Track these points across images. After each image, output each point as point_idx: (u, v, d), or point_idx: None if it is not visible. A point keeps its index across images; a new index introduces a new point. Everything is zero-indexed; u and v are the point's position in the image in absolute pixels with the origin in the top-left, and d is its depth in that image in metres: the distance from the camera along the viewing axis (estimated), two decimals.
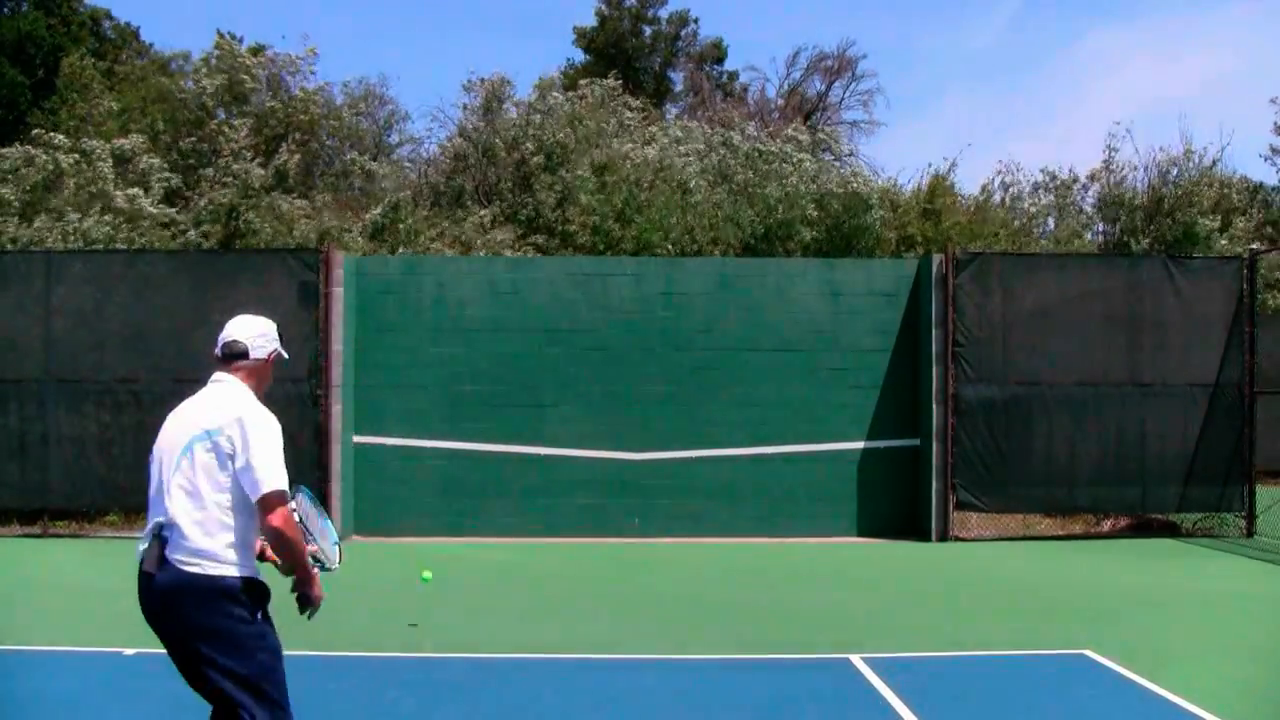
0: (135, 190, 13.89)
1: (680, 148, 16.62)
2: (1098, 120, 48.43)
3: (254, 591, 3.24)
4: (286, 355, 3.60)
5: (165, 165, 15.07)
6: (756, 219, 15.09)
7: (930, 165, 20.66)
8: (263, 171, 14.59)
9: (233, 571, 3.19)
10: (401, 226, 14.50)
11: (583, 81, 19.28)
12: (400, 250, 13.83)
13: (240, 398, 3.33)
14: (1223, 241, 16.12)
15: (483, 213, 15.58)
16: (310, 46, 17.11)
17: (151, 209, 13.88)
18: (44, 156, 14.24)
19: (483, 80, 17.70)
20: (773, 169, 16.01)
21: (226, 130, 15.33)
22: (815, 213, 15.31)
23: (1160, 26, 49.03)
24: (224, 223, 14.03)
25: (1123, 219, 17.47)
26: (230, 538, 3.19)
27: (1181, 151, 17.77)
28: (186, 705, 5.06)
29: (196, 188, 14.95)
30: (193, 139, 15.80)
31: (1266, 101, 24.56)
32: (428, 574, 7.21)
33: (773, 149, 16.54)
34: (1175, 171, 17.66)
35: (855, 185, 15.84)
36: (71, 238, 12.90)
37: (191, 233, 13.84)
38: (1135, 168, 17.93)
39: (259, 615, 3.25)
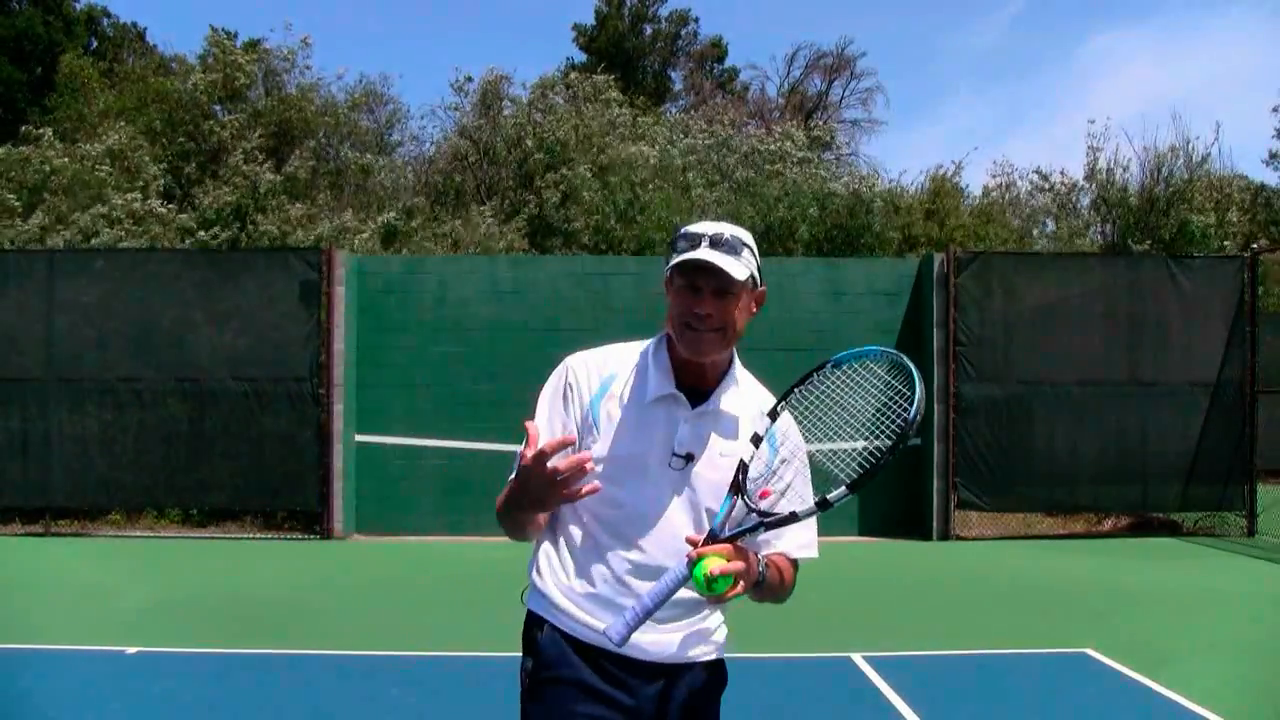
0: (134, 195, 13.89)
1: (678, 147, 16.60)
2: (1100, 120, 48.35)
3: (527, 633, 2.23)
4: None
5: (161, 159, 15.06)
6: (756, 216, 15.08)
7: (938, 167, 20.57)
8: (272, 177, 14.56)
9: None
10: (412, 235, 14.49)
11: (574, 76, 19.29)
12: (407, 252, 13.81)
13: None
14: (1223, 241, 16.05)
15: (483, 208, 15.57)
16: (304, 36, 17.12)
17: (160, 209, 13.88)
18: (37, 158, 14.24)
19: (470, 78, 17.72)
20: (773, 169, 16.01)
21: (219, 130, 15.30)
22: (816, 212, 15.30)
23: (1164, 27, 48.97)
24: (232, 225, 14.03)
25: (1118, 218, 17.42)
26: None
27: (1168, 148, 17.71)
28: (186, 705, 5.10)
29: (194, 187, 14.94)
30: (182, 139, 15.77)
31: (1269, 102, 24.47)
32: None
33: (770, 146, 16.53)
34: (1166, 169, 17.62)
35: (857, 186, 15.83)
36: (80, 239, 12.89)
37: (202, 233, 13.84)
38: (1124, 167, 17.87)
39: (526, 675, 2.18)
